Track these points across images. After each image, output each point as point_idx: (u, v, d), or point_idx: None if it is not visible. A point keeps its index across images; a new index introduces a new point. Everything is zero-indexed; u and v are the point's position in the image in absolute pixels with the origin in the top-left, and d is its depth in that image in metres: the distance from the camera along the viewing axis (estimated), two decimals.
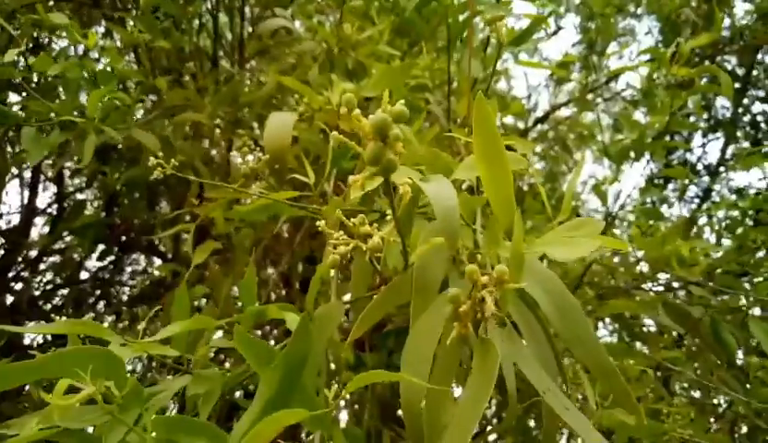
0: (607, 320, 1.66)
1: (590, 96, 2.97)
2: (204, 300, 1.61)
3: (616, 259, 1.39)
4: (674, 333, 1.45)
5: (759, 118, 3.82)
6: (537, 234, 0.58)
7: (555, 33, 3.08)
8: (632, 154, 1.23)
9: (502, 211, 0.48)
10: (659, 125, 1.24)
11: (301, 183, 0.75)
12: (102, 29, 1.69)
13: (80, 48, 1.24)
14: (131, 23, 1.40)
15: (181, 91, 1.30)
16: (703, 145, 3.96)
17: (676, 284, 1.25)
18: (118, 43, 1.56)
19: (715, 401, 1.70)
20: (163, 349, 0.56)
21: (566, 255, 0.51)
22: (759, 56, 3.69)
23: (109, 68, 1.05)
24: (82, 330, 0.54)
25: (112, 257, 2.40)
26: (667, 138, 1.74)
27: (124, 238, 2.24)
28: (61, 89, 1.06)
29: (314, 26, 1.17)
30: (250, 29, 1.84)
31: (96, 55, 1.26)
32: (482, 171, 0.47)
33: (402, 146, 0.44)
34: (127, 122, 1.10)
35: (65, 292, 2.36)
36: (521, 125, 2.98)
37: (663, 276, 1.39)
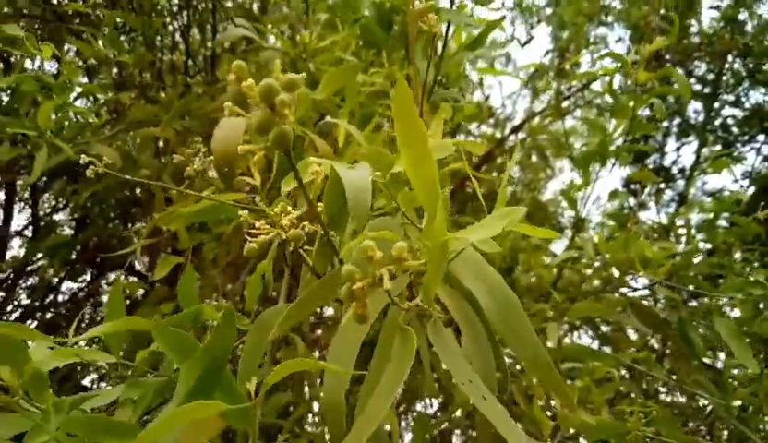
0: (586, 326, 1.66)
1: (565, 104, 3.00)
2: None
3: (589, 271, 1.40)
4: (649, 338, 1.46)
5: (729, 121, 3.89)
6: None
7: (527, 43, 3.12)
8: (597, 159, 1.24)
9: (426, 198, 0.47)
10: (623, 128, 1.25)
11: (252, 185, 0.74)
12: (69, 46, 1.67)
13: (52, 65, 1.23)
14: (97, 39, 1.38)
15: (146, 107, 1.29)
16: (677, 149, 4.01)
17: (644, 286, 1.26)
18: (85, 60, 1.54)
19: (701, 403, 1.71)
20: (98, 354, 0.54)
21: (477, 237, 0.50)
22: (729, 61, 3.77)
23: (67, 81, 1.03)
24: (8, 332, 0.52)
25: (87, 277, 2.36)
26: (641, 143, 1.75)
27: (98, 258, 2.20)
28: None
29: (276, 36, 1.17)
30: (225, 45, 1.83)
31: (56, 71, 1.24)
32: (404, 156, 0.46)
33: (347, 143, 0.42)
34: (86, 136, 1.07)
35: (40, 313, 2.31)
36: (497, 134, 3.01)
37: (638, 282, 1.40)
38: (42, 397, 0.43)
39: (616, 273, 1.26)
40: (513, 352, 0.45)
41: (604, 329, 1.47)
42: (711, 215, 1.60)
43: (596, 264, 1.27)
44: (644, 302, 1.18)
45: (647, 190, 3.32)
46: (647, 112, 1.48)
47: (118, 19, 1.43)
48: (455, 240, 0.45)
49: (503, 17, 1.01)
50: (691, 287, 1.22)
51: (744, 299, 1.02)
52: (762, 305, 1.09)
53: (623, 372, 1.32)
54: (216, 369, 0.43)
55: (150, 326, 0.51)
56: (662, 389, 1.79)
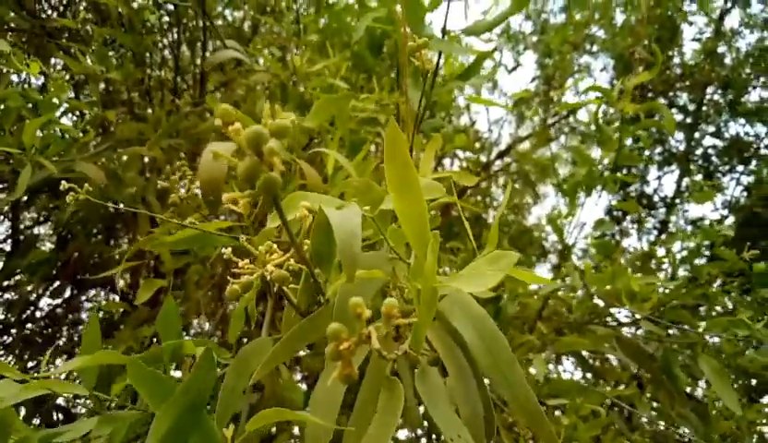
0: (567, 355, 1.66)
1: (551, 131, 3.04)
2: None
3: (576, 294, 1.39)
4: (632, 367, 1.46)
5: (710, 151, 3.96)
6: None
7: (514, 69, 3.16)
8: (583, 188, 1.24)
9: (416, 241, 0.47)
10: (609, 159, 1.26)
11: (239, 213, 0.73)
12: (56, 62, 1.66)
13: (38, 80, 1.21)
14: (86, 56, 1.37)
15: (133, 124, 1.28)
16: (659, 178, 4.08)
17: (628, 319, 1.26)
18: (72, 76, 1.53)
19: (680, 433, 1.71)
20: (69, 386, 0.52)
21: (473, 288, 0.50)
22: (710, 92, 3.85)
23: (55, 99, 1.01)
24: None
25: (66, 294, 2.31)
26: (624, 172, 1.77)
27: (78, 276, 2.16)
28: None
29: (266, 58, 1.17)
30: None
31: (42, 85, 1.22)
32: (395, 201, 0.45)
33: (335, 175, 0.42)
34: (71, 154, 1.06)
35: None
36: (483, 158, 3.03)
37: (623, 311, 1.40)
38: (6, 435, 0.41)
39: (600, 304, 1.26)
40: (498, 392, 0.44)
41: (586, 355, 1.46)
42: (694, 245, 1.61)
43: (580, 293, 1.27)
44: (628, 334, 1.18)
45: (629, 218, 3.36)
46: (629, 140, 1.51)
47: (107, 36, 1.42)
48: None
49: (495, 49, 1.02)
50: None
51: (729, 339, 1.03)
52: (742, 343, 1.10)
53: (608, 401, 1.32)
54: (193, 412, 0.42)
55: (125, 360, 0.50)
56: (644, 419, 1.79)
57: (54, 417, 1.82)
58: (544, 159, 2.58)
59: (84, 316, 2.45)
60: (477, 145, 3.03)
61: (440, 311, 0.50)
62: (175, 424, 0.41)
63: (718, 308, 1.43)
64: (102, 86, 1.56)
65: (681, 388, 1.07)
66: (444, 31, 0.87)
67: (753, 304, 1.20)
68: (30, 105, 1.02)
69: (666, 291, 1.32)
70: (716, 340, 1.29)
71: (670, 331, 1.13)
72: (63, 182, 0.74)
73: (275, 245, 0.52)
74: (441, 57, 0.88)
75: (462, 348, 0.50)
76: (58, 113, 1.20)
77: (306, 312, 0.58)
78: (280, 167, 0.37)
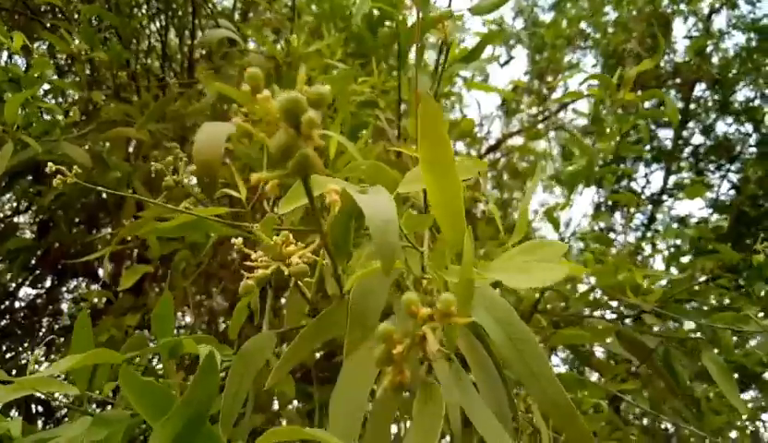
0: (558, 348, 1.65)
1: (541, 125, 3.03)
2: None
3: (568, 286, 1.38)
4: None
5: (698, 150, 3.98)
6: (490, 261, 0.54)
7: (507, 63, 3.15)
8: (583, 180, 1.23)
9: (450, 228, 0.43)
10: (608, 150, 1.24)
11: (235, 198, 0.70)
12: (40, 43, 1.60)
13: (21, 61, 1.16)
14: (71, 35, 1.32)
15: (119, 106, 1.23)
16: (646, 175, 4.09)
17: (628, 312, 1.25)
18: (55, 55, 1.48)
19: (665, 427, 1.71)
20: (58, 386, 0.48)
21: (524, 282, 0.45)
22: (698, 90, 3.87)
23: (37, 75, 0.96)
24: None
25: (47, 284, 2.25)
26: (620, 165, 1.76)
27: (59, 265, 2.10)
28: None
29: (262, 40, 1.13)
30: (203, 52, 1.78)
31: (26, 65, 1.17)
32: (427, 179, 0.42)
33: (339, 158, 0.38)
34: (55, 134, 1.01)
35: None
36: (473, 152, 3.01)
37: (613, 303, 1.38)
38: None
39: (600, 297, 1.25)
40: (527, 390, 0.41)
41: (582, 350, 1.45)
42: (681, 242, 1.60)
43: (581, 286, 1.26)
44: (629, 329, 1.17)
45: (617, 215, 3.37)
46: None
47: (93, 16, 1.37)
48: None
49: (501, 30, 0.99)
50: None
51: (738, 332, 1.01)
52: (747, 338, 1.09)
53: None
54: (196, 425, 0.38)
55: (119, 360, 0.46)
56: (635, 412, 1.78)
57: (34, 409, 1.77)
58: (535, 151, 2.56)
59: (64, 306, 2.39)
60: (468, 139, 3.01)
61: None
62: (177, 438, 0.37)
63: (711, 303, 1.43)
64: (89, 69, 1.51)
65: (683, 383, 1.06)
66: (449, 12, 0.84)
67: (752, 298, 1.20)
68: (12, 83, 0.97)
69: (662, 283, 1.31)
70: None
71: (665, 325, 1.12)
72: (50, 163, 0.70)
73: (290, 235, 0.48)
74: (447, 48, 0.85)
75: (481, 340, 0.47)
76: (42, 93, 1.16)
77: (316, 308, 0.54)
78: (319, 142, 0.31)
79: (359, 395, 0.39)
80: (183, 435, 0.37)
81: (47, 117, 1.03)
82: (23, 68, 1.16)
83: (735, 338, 1.17)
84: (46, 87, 1.17)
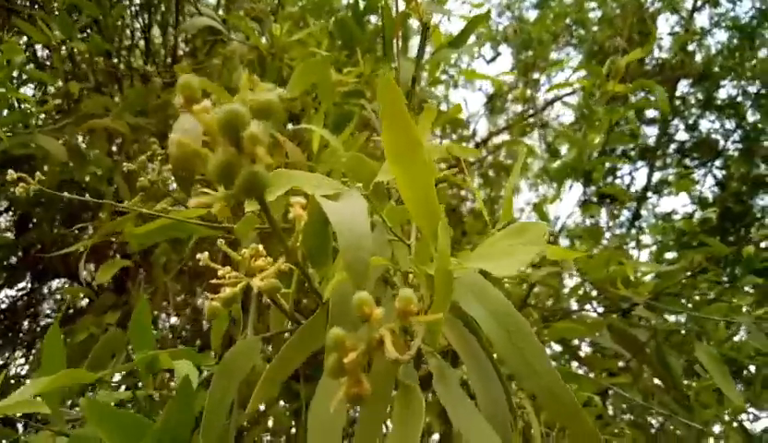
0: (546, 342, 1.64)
1: (529, 120, 3.03)
2: None
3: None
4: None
5: (683, 146, 4.01)
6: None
7: (493, 60, 3.14)
8: (573, 173, 1.21)
9: (422, 216, 0.40)
10: (598, 140, 1.23)
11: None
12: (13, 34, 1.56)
13: None
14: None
15: (98, 98, 1.19)
16: (630, 172, 4.11)
17: (617, 306, 1.24)
18: (32, 44, 1.44)
19: (653, 422, 1.70)
20: (31, 405, 0.44)
21: (504, 268, 0.43)
22: (681, 87, 3.90)
23: (5, 62, 0.93)
24: None
25: (27, 285, 2.20)
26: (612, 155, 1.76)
27: (39, 265, 2.05)
28: None
29: (246, 29, 1.10)
30: (187, 49, 1.75)
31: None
32: (394, 169, 0.39)
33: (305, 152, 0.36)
34: (30, 126, 0.98)
35: None
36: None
37: (601, 297, 1.38)
38: None
39: (589, 291, 1.24)
40: (525, 386, 0.38)
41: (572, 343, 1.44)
42: (671, 236, 1.60)
43: (572, 280, 1.25)
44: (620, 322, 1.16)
45: (603, 211, 3.37)
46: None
47: (73, 9, 1.33)
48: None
49: (488, 12, 0.97)
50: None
51: (730, 324, 1.01)
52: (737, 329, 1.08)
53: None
54: None
55: (91, 379, 0.42)
56: (621, 407, 1.78)
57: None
58: (523, 144, 2.56)
59: (46, 307, 2.34)
60: (454, 136, 3.01)
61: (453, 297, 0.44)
62: None
63: (698, 296, 1.43)
64: (69, 63, 1.47)
65: (677, 378, 1.05)
66: None
67: (740, 290, 1.19)
68: None
69: (647, 278, 1.31)
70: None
71: (657, 319, 1.11)
72: (10, 172, 0.67)
73: (260, 248, 0.44)
74: (426, 29, 0.83)
75: (474, 333, 0.44)
76: (17, 85, 1.12)
77: (299, 312, 0.51)
78: (265, 159, 0.27)
79: (337, 409, 0.37)
80: None
81: (20, 106, 1.00)
82: None
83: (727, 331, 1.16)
84: (23, 78, 1.14)
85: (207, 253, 0.45)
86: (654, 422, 1.66)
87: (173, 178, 0.80)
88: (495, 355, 0.49)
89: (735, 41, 3.83)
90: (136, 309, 0.55)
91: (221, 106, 0.28)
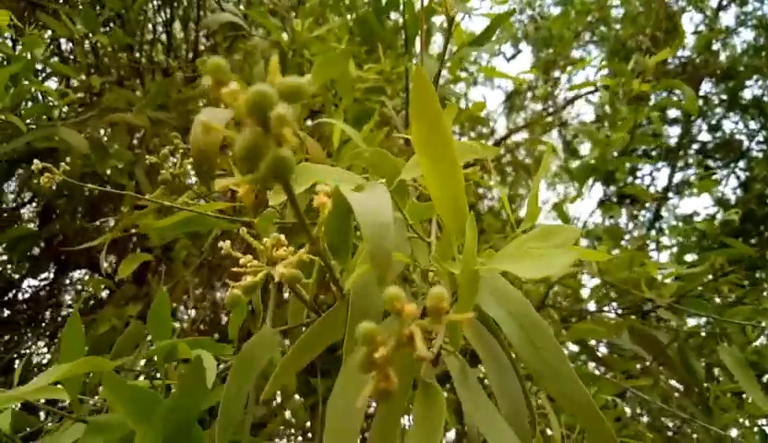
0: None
1: (548, 119, 3.00)
2: None
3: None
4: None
5: (706, 147, 3.94)
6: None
7: (513, 57, 3.12)
8: (595, 173, 1.20)
9: (450, 215, 0.40)
10: (621, 141, 1.21)
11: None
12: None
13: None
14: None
15: (120, 92, 1.21)
16: (651, 172, 4.06)
17: (638, 307, 1.22)
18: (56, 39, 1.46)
19: (670, 424, 1.68)
20: (50, 391, 0.44)
21: (535, 271, 0.42)
22: (705, 87, 3.83)
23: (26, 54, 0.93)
24: None
25: (50, 275, 2.23)
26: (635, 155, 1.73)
27: (62, 255, 2.08)
28: None
29: (268, 24, 1.10)
30: (208, 43, 1.76)
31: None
32: (423, 163, 0.38)
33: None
34: (53, 119, 0.99)
35: None
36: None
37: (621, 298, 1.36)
38: None
39: (608, 291, 1.22)
40: (545, 387, 0.37)
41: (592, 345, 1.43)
42: (693, 238, 1.58)
43: (594, 281, 1.23)
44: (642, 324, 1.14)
45: (623, 211, 3.34)
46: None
47: (96, 4, 1.35)
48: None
49: (513, 10, 0.96)
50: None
51: (756, 326, 0.99)
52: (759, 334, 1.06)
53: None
54: (183, 432, 0.35)
55: (109, 367, 0.43)
56: (638, 409, 1.76)
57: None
58: (543, 142, 2.54)
59: (68, 297, 2.37)
60: (473, 134, 2.99)
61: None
62: None
63: (721, 298, 1.40)
64: (93, 57, 1.49)
65: (700, 381, 1.03)
66: None
67: (761, 294, 1.17)
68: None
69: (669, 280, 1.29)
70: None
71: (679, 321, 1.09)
72: (36, 161, 0.68)
73: (282, 237, 0.44)
74: (452, 24, 0.82)
75: (494, 334, 0.44)
76: (41, 78, 1.13)
77: (317, 306, 0.50)
78: (291, 141, 0.27)
79: (357, 407, 0.37)
80: (169, 441, 0.34)
81: (44, 99, 1.01)
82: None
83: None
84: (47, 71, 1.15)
85: (228, 242, 0.45)
86: (670, 424, 1.64)
87: (193, 173, 0.80)
88: (513, 356, 0.49)
89: (761, 40, 3.76)
90: (155, 300, 0.56)
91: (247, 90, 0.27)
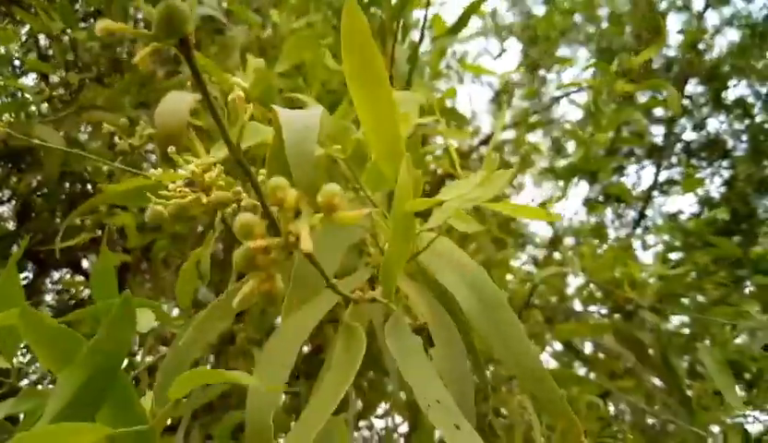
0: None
1: (533, 118, 3.01)
2: None
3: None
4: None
5: (690, 146, 3.97)
6: None
7: (499, 55, 3.11)
8: (579, 172, 1.20)
9: (384, 153, 0.38)
10: (604, 141, 1.21)
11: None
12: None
13: None
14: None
15: (99, 89, 1.18)
16: (637, 171, 4.08)
17: (621, 307, 1.22)
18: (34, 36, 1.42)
19: (653, 423, 1.69)
20: None
21: (460, 200, 0.40)
22: (690, 87, 3.86)
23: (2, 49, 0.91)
24: None
25: (29, 275, 2.20)
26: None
27: (41, 254, 2.04)
28: None
29: (249, 19, 1.08)
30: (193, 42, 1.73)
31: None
32: (356, 96, 0.37)
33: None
34: (29, 117, 0.96)
35: None
36: (463, 147, 2.98)
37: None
38: None
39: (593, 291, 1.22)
40: (500, 359, 0.36)
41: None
42: (678, 237, 1.58)
43: (577, 280, 1.23)
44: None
45: (608, 210, 3.35)
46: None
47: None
48: (425, 204, 0.35)
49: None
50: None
51: (742, 327, 0.99)
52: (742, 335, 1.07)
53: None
54: (107, 375, 0.32)
55: (55, 323, 0.40)
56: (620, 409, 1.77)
57: None
58: (528, 142, 2.54)
59: (48, 298, 2.33)
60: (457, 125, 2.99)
61: (424, 266, 0.42)
62: (82, 390, 0.31)
63: (703, 298, 1.41)
64: (72, 56, 1.46)
65: (681, 382, 1.03)
66: None
67: (743, 292, 1.18)
68: None
69: (652, 280, 1.29)
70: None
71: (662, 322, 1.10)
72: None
73: (213, 159, 0.41)
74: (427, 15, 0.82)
75: (451, 310, 0.42)
76: (17, 74, 1.11)
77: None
78: None
79: (290, 347, 0.36)
80: (91, 386, 0.32)
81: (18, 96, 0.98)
82: None
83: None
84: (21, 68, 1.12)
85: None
86: (653, 423, 1.65)
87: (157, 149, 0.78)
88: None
89: (746, 39, 3.79)
90: (98, 260, 0.54)
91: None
